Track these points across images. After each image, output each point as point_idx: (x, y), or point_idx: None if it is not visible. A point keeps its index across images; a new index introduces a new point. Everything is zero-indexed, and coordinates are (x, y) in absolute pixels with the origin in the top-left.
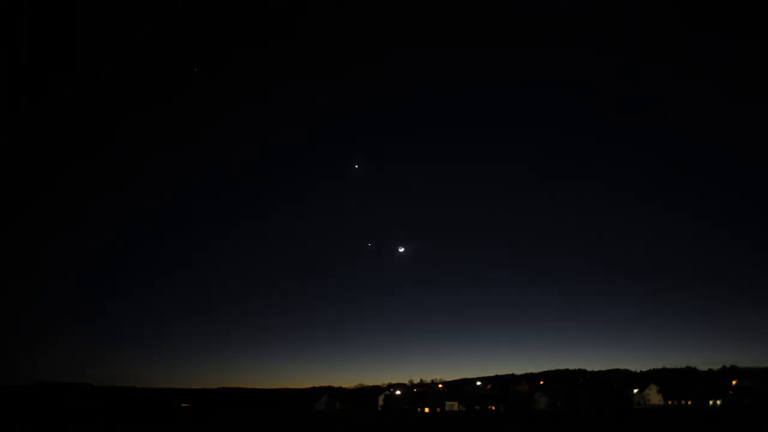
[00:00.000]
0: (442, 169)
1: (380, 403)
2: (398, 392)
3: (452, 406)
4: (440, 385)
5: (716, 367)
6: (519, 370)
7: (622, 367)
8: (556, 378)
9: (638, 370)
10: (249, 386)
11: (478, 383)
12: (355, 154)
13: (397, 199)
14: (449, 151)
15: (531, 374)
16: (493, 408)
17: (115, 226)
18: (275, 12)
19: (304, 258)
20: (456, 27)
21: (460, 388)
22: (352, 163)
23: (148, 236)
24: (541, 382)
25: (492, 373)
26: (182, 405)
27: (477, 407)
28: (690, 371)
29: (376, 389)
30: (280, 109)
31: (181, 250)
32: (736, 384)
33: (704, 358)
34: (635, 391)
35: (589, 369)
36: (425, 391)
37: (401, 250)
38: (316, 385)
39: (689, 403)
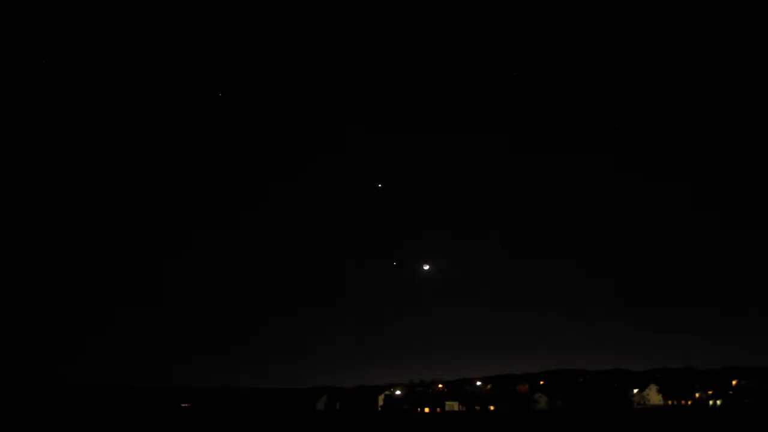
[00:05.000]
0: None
1: (380, 403)
2: (398, 392)
3: (452, 406)
4: (440, 385)
5: (716, 367)
6: (519, 370)
7: (622, 367)
8: (556, 378)
9: (638, 370)
10: (249, 386)
11: (478, 383)
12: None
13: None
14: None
15: (531, 374)
16: (493, 408)
17: (114, 225)
18: None
19: (306, 259)
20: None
21: (460, 388)
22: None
23: (148, 236)
24: (541, 382)
25: (492, 373)
26: (182, 405)
27: (477, 407)
28: (690, 371)
29: (376, 389)
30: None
31: (181, 250)
32: (736, 384)
33: (704, 358)
34: (635, 391)
35: (589, 369)
36: (425, 391)
37: (426, 267)
38: (316, 385)
39: (689, 403)
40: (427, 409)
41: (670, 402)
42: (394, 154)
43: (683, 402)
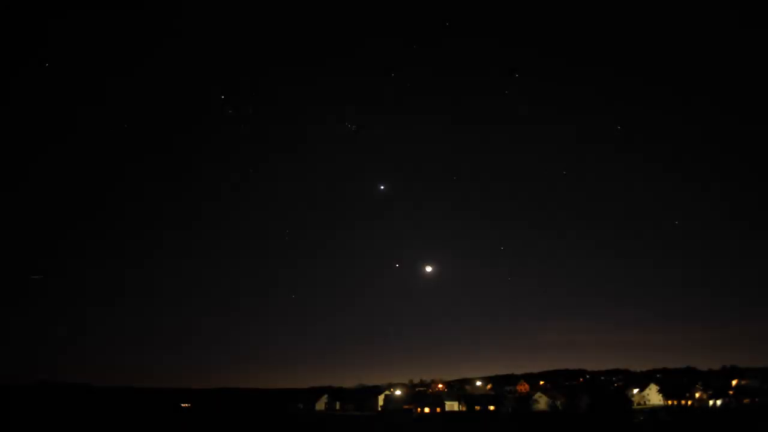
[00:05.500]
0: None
1: (380, 403)
2: (398, 392)
3: (452, 406)
4: (440, 385)
5: (716, 367)
6: (519, 370)
7: (622, 367)
8: (556, 378)
9: (638, 370)
10: (249, 386)
11: (478, 383)
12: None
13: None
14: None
15: (531, 374)
16: (493, 408)
17: (115, 222)
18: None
19: (307, 260)
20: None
21: (460, 388)
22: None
23: (149, 235)
24: (541, 382)
25: (492, 373)
26: (182, 405)
27: (477, 407)
28: (690, 371)
29: (376, 389)
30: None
31: (182, 250)
32: (736, 384)
33: (704, 358)
34: (635, 391)
35: (589, 369)
36: (425, 391)
37: (428, 269)
38: (316, 385)
39: (689, 403)
40: (427, 409)
41: (670, 402)
42: (394, 155)
43: (683, 402)
